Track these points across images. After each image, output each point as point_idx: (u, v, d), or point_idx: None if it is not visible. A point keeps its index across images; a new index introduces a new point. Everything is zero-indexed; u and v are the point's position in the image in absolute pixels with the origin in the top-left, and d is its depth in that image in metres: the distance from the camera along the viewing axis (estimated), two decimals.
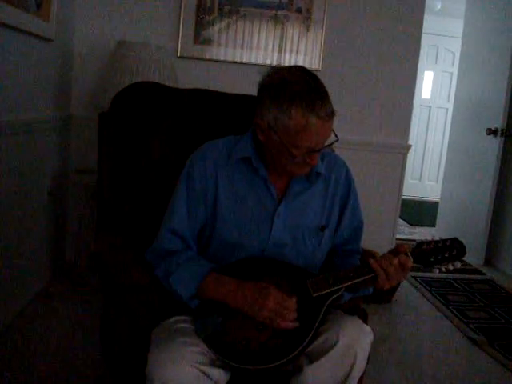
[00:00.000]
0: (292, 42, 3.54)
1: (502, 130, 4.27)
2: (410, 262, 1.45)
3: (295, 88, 1.41)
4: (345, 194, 1.66)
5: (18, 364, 2.28)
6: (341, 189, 1.65)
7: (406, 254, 1.46)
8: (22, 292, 2.77)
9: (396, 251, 1.47)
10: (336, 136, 1.50)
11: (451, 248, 1.48)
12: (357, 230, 1.70)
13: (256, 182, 1.57)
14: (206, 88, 2.06)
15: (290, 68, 1.50)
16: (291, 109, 1.40)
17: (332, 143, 1.52)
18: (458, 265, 1.48)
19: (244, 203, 1.56)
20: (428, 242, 1.49)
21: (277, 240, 1.55)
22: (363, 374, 1.49)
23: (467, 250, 1.51)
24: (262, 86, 1.49)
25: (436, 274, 1.51)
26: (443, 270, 1.49)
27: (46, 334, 2.55)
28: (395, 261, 1.44)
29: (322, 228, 1.60)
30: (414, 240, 1.54)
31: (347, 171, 1.69)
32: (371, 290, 1.58)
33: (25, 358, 2.33)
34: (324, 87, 1.45)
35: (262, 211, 1.56)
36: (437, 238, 1.50)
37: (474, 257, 4.32)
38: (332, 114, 1.43)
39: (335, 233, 1.66)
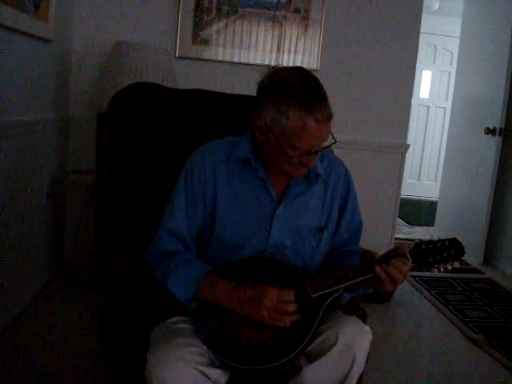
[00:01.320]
0: (290, 42, 3.54)
1: (501, 129, 4.27)
2: (410, 263, 1.45)
3: (294, 89, 1.40)
4: (344, 195, 1.66)
5: (18, 364, 2.28)
6: (340, 190, 1.65)
7: (405, 254, 1.46)
8: (21, 293, 2.77)
9: (396, 252, 1.47)
10: (334, 138, 1.50)
11: (450, 248, 1.49)
12: (356, 230, 1.70)
13: (255, 183, 1.56)
14: (205, 88, 2.06)
15: (289, 69, 1.50)
16: (289, 110, 1.39)
17: (329, 145, 1.52)
18: (457, 265, 1.49)
19: (243, 204, 1.56)
20: (427, 242, 1.49)
21: (276, 241, 1.55)
22: (362, 373, 1.49)
23: (466, 249, 1.51)
24: (261, 86, 1.49)
25: (435, 273, 1.51)
26: (442, 269, 1.49)
27: (46, 335, 2.55)
28: (403, 268, 1.43)
29: (321, 229, 1.60)
30: (413, 239, 1.54)
31: (346, 172, 1.68)
32: (371, 289, 1.58)
33: (24, 358, 2.33)
34: (323, 89, 1.45)
35: (261, 212, 1.56)
36: (436, 238, 1.50)
37: (472, 256, 4.33)
38: (330, 116, 1.42)
39: (334, 234, 1.66)
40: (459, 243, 1.50)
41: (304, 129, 1.39)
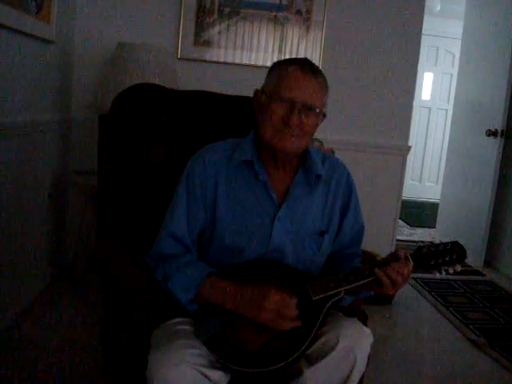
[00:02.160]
0: (292, 43, 3.55)
1: (502, 131, 4.27)
2: (411, 266, 1.45)
3: (291, 58, 1.55)
4: (346, 198, 1.66)
5: (19, 365, 2.28)
6: (342, 193, 1.65)
7: (406, 257, 1.46)
8: (22, 293, 2.77)
9: (397, 255, 1.47)
10: (324, 113, 1.54)
11: (451, 251, 1.49)
12: (358, 233, 1.70)
13: (256, 186, 1.56)
14: (206, 89, 2.06)
15: None
16: (281, 66, 1.52)
17: (320, 120, 1.54)
18: (459, 268, 1.49)
19: (244, 207, 1.56)
20: (428, 246, 1.49)
21: (277, 244, 1.54)
22: (363, 375, 1.49)
23: (467, 251, 1.51)
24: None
25: (436, 276, 1.51)
26: (443, 273, 1.49)
27: (47, 336, 2.55)
28: (404, 270, 1.43)
29: (322, 233, 1.60)
30: (414, 241, 1.54)
31: (348, 174, 1.68)
32: (372, 292, 1.58)
33: (25, 359, 2.33)
34: (324, 77, 1.54)
35: (262, 215, 1.55)
36: (437, 242, 1.50)
37: (473, 258, 4.32)
38: (317, 72, 1.51)
39: (336, 237, 1.66)
40: (461, 246, 1.50)
41: (288, 74, 1.49)
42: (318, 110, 1.50)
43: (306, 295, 1.43)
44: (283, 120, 1.48)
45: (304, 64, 1.50)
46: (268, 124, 1.50)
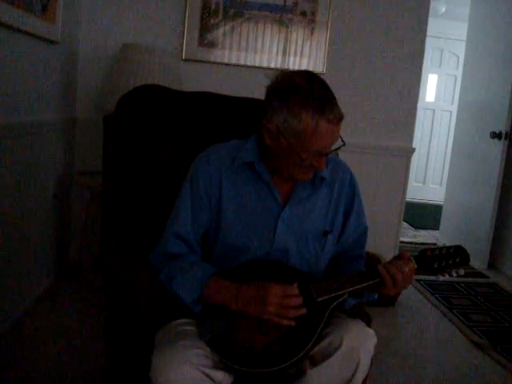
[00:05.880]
0: (296, 45, 3.55)
1: (506, 133, 4.26)
2: (412, 265, 1.46)
3: (305, 92, 1.42)
4: (349, 199, 1.66)
5: (22, 364, 2.28)
6: (345, 194, 1.65)
7: (408, 258, 1.46)
8: (26, 293, 2.78)
9: (399, 258, 1.48)
10: (343, 141, 1.50)
11: (455, 255, 1.49)
12: (361, 235, 1.70)
13: (260, 187, 1.57)
14: (211, 91, 2.06)
15: (298, 72, 1.51)
16: (301, 112, 1.40)
17: (339, 148, 1.52)
18: (462, 272, 1.49)
19: (248, 207, 1.56)
20: (432, 249, 1.49)
21: (280, 244, 1.55)
22: (366, 377, 1.49)
23: (471, 253, 1.52)
24: (271, 90, 1.49)
25: (440, 279, 1.51)
26: (447, 276, 1.49)
27: (50, 335, 2.56)
28: (404, 268, 1.44)
29: (326, 233, 1.61)
30: (418, 243, 1.55)
31: (351, 176, 1.68)
32: (376, 296, 1.57)
33: (29, 358, 2.34)
34: (332, 91, 1.46)
35: (266, 215, 1.56)
36: (441, 244, 1.50)
37: (477, 260, 4.32)
38: (341, 117, 1.44)
39: (339, 238, 1.66)
40: (464, 250, 1.51)
41: (316, 130, 1.41)
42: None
43: (310, 296, 1.43)
44: (311, 164, 1.48)
45: (331, 112, 1.41)
46: (293, 166, 1.49)
